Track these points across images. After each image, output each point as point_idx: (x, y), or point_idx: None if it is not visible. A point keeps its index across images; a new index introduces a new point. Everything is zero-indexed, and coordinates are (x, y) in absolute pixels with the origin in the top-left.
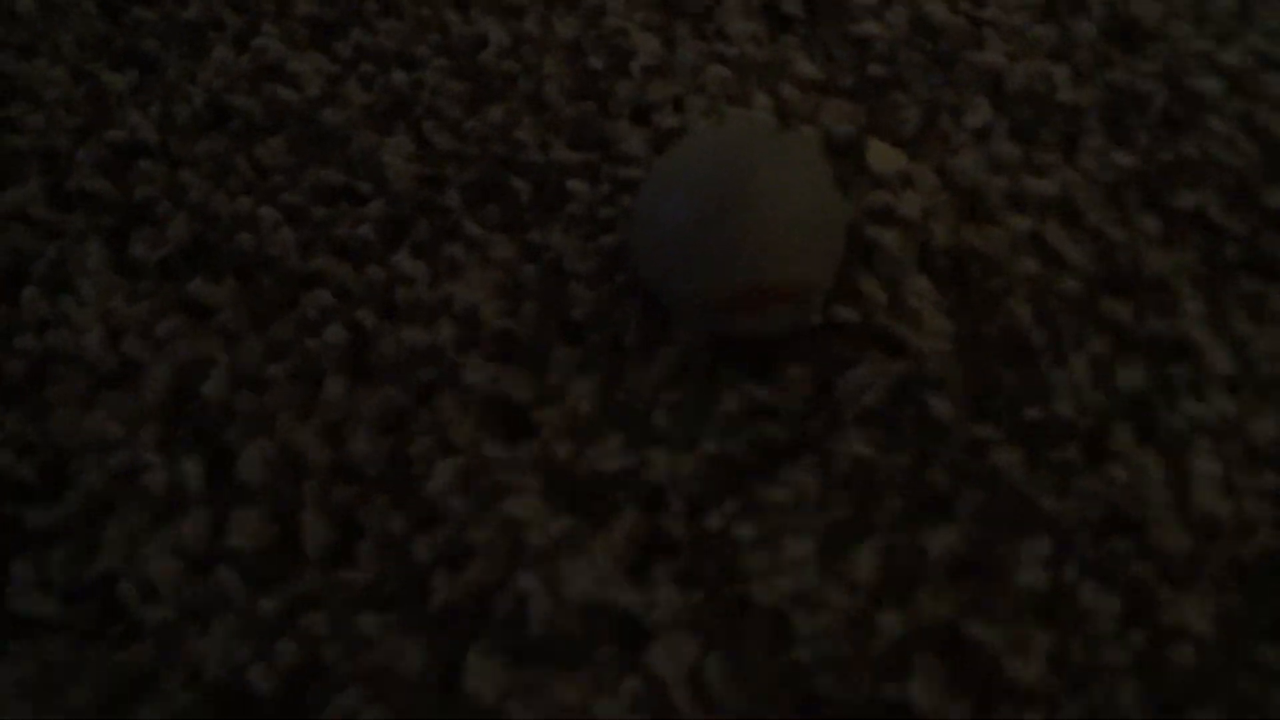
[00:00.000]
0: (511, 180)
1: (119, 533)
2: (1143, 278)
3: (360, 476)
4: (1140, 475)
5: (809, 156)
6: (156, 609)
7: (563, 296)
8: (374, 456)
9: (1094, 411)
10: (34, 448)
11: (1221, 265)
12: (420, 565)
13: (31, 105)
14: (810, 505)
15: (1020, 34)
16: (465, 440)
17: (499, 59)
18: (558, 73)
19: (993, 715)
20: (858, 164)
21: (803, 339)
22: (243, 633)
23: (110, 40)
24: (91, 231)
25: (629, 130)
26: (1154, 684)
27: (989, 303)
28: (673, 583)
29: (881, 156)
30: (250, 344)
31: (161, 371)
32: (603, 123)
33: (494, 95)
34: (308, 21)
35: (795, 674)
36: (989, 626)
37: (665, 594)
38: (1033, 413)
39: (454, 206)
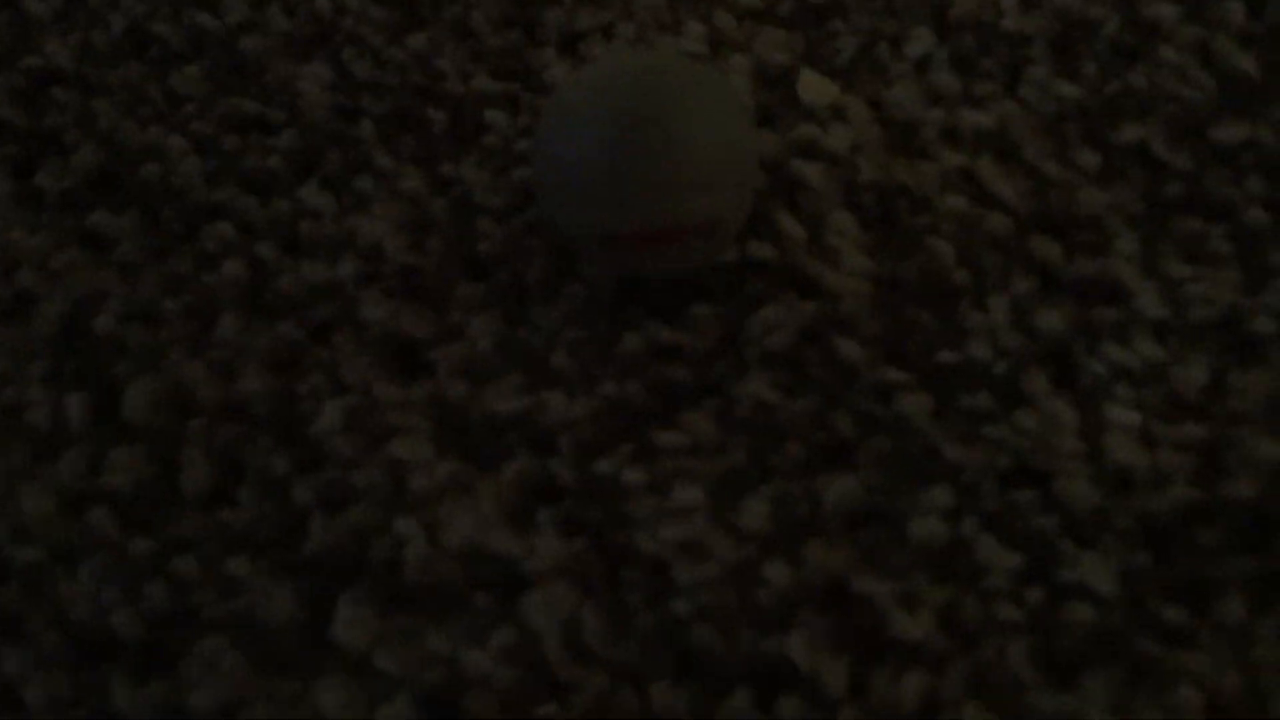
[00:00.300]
0: (428, 111)
1: None
2: (1076, 216)
3: (247, 415)
4: (1052, 423)
5: (721, 86)
6: (27, 549)
7: (470, 232)
8: (263, 395)
9: (1010, 355)
10: None
11: (1161, 204)
12: (299, 508)
13: None
14: (706, 451)
15: None
16: (357, 379)
17: None
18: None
19: (874, 672)
20: (789, 96)
21: (714, 277)
22: (112, 575)
23: None
24: None
25: (554, 59)
26: (1048, 643)
27: (912, 242)
28: (555, 529)
29: (813, 88)
30: (147, 277)
31: (54, 305)
32: (528, 51)
33: (418, 23)
34: None
35: (673, 626)
36: (879, 580)
37: (547, 541)
38: (946, 356)
39: (366, 138)
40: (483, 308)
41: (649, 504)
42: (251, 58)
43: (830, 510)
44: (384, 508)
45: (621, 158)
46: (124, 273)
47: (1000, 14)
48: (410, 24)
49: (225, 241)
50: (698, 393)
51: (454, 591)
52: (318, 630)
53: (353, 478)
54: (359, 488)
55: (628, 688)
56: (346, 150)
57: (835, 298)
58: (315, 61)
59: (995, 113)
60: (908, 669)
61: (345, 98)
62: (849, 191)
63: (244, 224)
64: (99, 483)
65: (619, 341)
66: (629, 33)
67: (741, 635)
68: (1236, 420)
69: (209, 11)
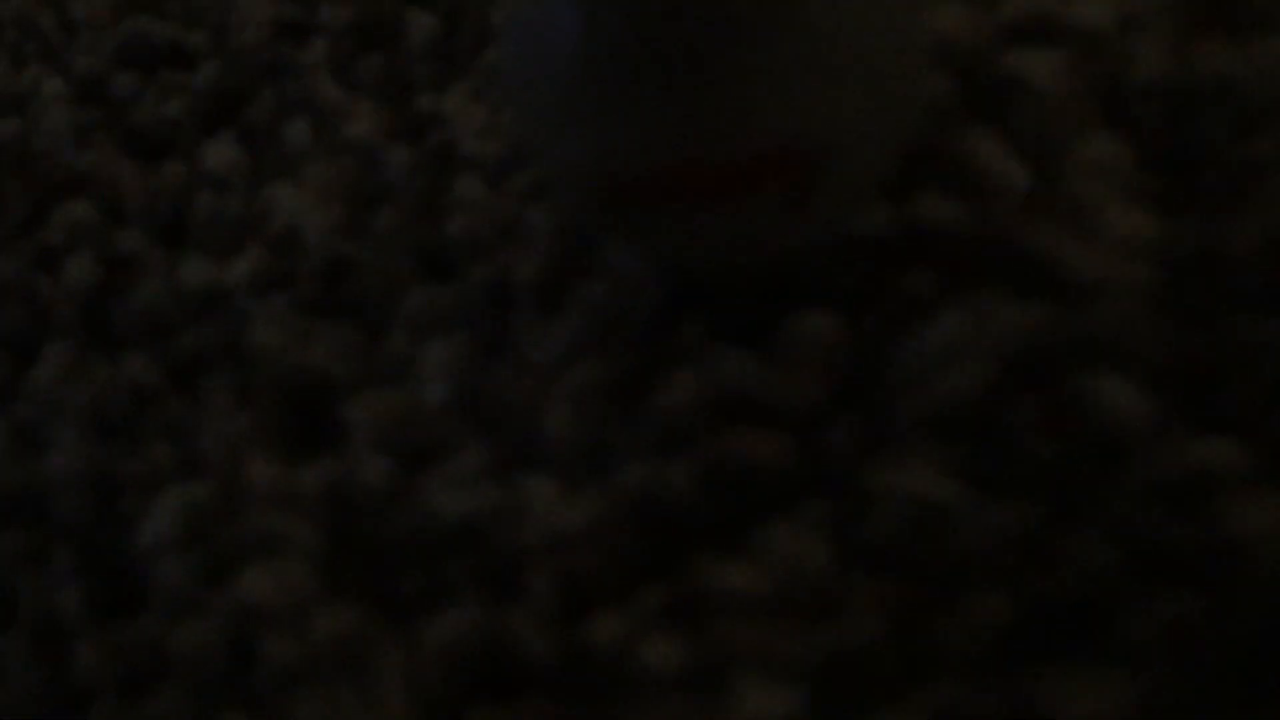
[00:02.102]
0: (410, 15)
1: None
2: None
3: (45, 513)
4: None
5: None
6: None
7: (441, 201)
8: (75, 477)
9: None
10: None
11: None
12: (85, 683)
13: None
14: (804, 606)
15: None
16: (220, 452)
17: None
18: None
19: None
20: None
21: (839, 264)
22: None
23: None
24: None
25: None
26: None
27: (1237, 192)
28: None
29: None
30: None
31: None
32: None
33: None
34: None
35: None
36: None
37: None
38: None
39: (316, 62)
40: (441, 326)
41: (691, 710)
42: None
43: None
44: (217, 691)
45: (629, 37)
46: None
47: None
48: None
49: (78, 228)
50: (795, 488)
51: None
52: None
53: (178, 634)
54: (185, 653)
55: None
56: (283, 85)
57: (1088, 295)
58: None
59: None
60: None
61: (296, 6)
62: (1114, 101)
63: (113, 201)
64: None
65: (659, 385)
66: None
67: None
68: None
69: None
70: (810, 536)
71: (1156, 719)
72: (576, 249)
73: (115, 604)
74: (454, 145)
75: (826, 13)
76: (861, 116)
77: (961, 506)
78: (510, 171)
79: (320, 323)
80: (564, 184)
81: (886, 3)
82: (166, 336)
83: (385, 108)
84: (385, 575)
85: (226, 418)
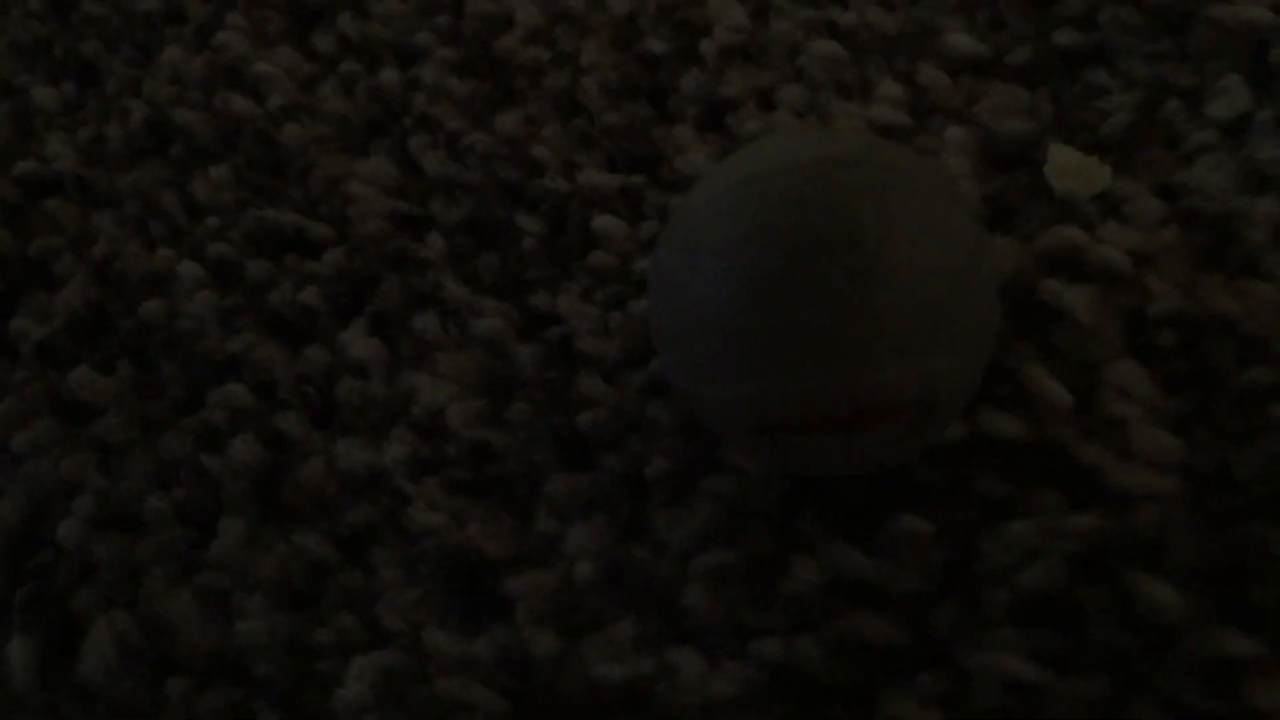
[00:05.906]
0: (518, 218)
1: None
2: None
3: (243, 675)
4: None
5: (937, 183)
6: None
7: (568, 394)
8: (268, 645)
9: None
10: None
11: None
12: None
13: None
14: None
15: None
16: (400, 623)
17: (524, 45)
18: (601, 62)
19: None
20: (1034, 183)
21: (930, 471)
22: None
23: (50, 45)
24: None
25: (692, 139)
26: None
27: (1248, 410)
28: None
29: (1070, 170)
30: (133, 463)
31: (10, 501)
32: (656, 130)
33: (511, 97)
34: (286, 7)
35: None
36: None
37: None
38: None
39: (434, 258)
40: (584, 512)
41: None
42: (295, 152)
43: None
44: None
45: (779, 301)
46: (104, 455)
47: None
48: (499, 99)
49: (237, 410)
50: (908, 662)
51: None
52: None
53: None
54: None
55: None
56: (407, 276)
57: (1126, 505)
58: (374, 154)
59: None
60: None
61: (410, 203)
62: (1136, 329)
63: (264, 385)
64: None
65: (785, 573)
66: (795, 99)
67: None
68: None
69: (248, 94)
70: (925, 707)
71: None
72: (701, 445)
73: None
74: (571, 342)
75: (954, 288)
76: (963, 363)
77: (1042, 680)
78: (626, 369)
79: (472, 504)
80: (717, 419)
81: (983, 264)
82: (332, 513)
83: (505, 303)
84: None
85: (399, 590)
